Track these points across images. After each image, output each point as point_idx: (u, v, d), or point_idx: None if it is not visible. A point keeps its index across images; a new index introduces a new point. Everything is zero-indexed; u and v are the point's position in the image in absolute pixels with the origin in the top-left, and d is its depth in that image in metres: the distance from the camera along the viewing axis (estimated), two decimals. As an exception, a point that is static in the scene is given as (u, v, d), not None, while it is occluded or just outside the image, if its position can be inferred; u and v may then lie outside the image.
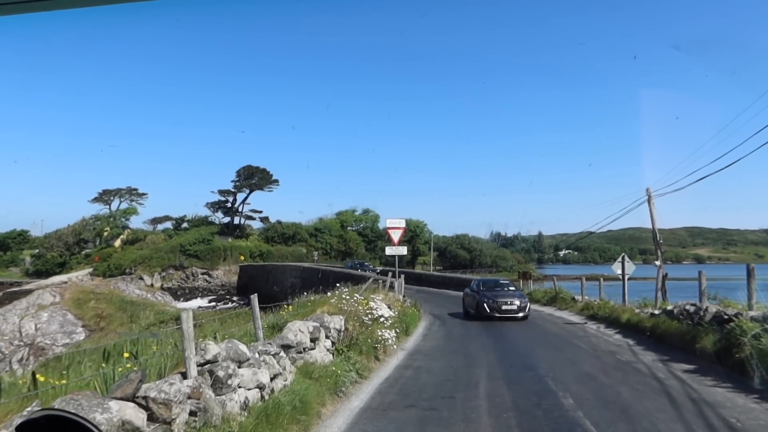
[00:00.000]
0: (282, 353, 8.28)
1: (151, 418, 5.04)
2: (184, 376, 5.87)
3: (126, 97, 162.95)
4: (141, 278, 65.76)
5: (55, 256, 77.10)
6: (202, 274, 70.51)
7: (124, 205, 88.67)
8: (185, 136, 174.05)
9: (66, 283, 44.37)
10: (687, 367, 10.58)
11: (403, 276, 29.01)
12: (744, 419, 7.13)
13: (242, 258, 72.43)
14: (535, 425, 7.14)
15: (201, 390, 5.75)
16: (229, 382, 6.26)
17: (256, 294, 9.34)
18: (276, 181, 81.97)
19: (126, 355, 6.89)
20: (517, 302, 19.98)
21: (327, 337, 10.67)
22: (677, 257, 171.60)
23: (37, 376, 5.48)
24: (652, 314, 15.47)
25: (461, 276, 48.20)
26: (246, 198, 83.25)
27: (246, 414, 6.39)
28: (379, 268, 46.98)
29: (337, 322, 11.40)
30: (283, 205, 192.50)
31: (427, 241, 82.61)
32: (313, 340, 9.82)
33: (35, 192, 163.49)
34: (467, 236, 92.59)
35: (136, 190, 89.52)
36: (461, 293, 36.33)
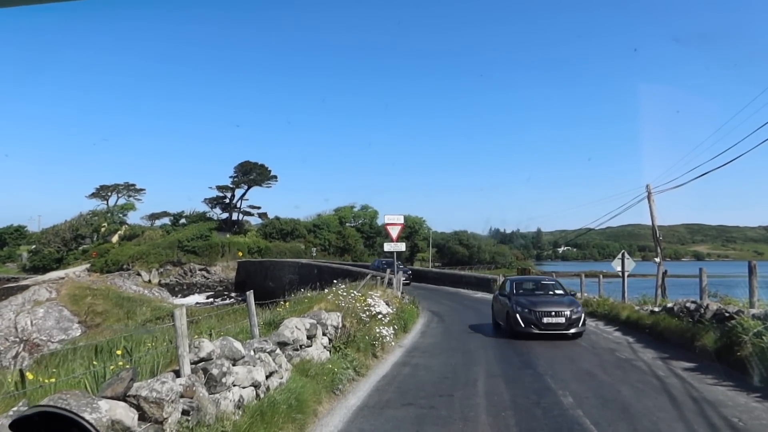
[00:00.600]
0: (278, 351, 8.17)
1: (143, 417, 4.92)
2: (178, 374, 5.76)
3: (123, 93, 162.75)
4: (138, 274, 65.61)
5: (52, 251, 76.82)
6: (200, 270, 70.35)
7: (121, 201, 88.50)
8: (183, 132, 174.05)
9: (63, 278, 44.23)
10: (687, 365, 10.48)
11: (401, 272, 28.95)
12: (746, 418, 7.03)
13: (240, 254, 72.28)
14: (534, 424, 7.04)
15: (194, 388, 5.63)
16: (224, 380, 6.15)
17: (252, 291, 9.22)
18: (274, 176, 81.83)
19: (119, 352, 6.76)
20: (566, 312, 14.22)
21: (324, 334, 10.56)
22: (676, 254, 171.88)
23: (26, 374, 5.35)
24: (652, 311, 15.39)
25: (460, 272, 48.13)
26: (244, 194, 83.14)
27: (240, 413, 6.27)
28: (410, 271, 41.67)
29: (334, 319, 11.29)
30: (280, 200, 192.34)
31: (425, 237, 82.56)
32: (310, 337, 9.71)
33: (32, 188, 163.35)
34: (466, 232, 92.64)
35: (133, 185, 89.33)
36: (459, 290, 36.48)
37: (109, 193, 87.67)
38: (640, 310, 16.54)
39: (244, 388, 6.64)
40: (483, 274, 47.24)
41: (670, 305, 14.49)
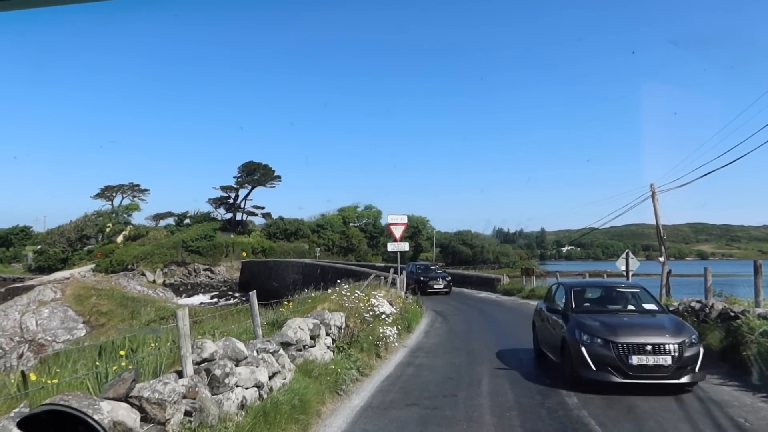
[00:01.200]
0: (281, 351, 8.16)
1: (145, 418, 4.91)
2: (180, 374, 5.74)
3: (128, 93, 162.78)
4: (143, 274, 65.80)
5: (58, 252, 77.13)
6: (204, 270, 70.49)
7: (126, 202, 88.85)
8: (187, 133, 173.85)
9: (68, 279, 44.34)
10: (693, 365, 10.42)
11: (405, 272, 28.92)
12: (752, 419, 6.98)
13: (244, 254, 72.38)
14: (539, 424, 7.01)
15: (197, 389, 5.62)
16: (226, 381, 6.13)
17: (254, 291, 9.21)
18: (278, 177, 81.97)
19: (122, 352, 6.75)
20: (672, 344, 8.48)
21: (327, 334, 10.54)
22: (680, 253, 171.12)
23: (29, 374, 5.34)
24: (657, 311, 15.29)
25: (463, 272, 48.04)
26: (248, 194, 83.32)
27: (243, 414, 6.26)
28: (449, 276, 33.86)
29: (337, 319, 11.27)
30: (283, 201, 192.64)
31: (429, 237, 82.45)
32: (313, 337, 9.69)
33: (38, 188, 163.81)
34: (469, 232, 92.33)
35: (138, 186, 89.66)
36: (463, 290, 36.27)
37: (114, 194, 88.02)
38: (644, 310, 16.43)
39: (247, 388, 6.62)
40: (487, 274, 47.15)
41: (674, 305, 14.39)
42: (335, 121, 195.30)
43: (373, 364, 11.11)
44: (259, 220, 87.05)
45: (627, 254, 21.27)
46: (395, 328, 14.00)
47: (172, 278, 68.39)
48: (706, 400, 7.92)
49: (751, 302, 11.61)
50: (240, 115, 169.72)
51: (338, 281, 18.35)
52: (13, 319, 26.56)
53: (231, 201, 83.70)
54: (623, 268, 20.98)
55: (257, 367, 7.00)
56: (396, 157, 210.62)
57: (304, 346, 9.21)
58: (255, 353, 7.30)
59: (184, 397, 5.41)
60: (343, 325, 11.50)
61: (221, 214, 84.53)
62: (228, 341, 6.76)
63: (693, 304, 13.04)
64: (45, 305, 29.07)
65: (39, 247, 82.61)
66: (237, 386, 6.39)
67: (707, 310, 12.03)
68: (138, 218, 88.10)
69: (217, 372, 6.05)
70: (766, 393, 8.21)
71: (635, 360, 8.31)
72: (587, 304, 10.45)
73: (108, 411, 4.44)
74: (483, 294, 32.84)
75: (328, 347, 10.35)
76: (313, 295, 15.63)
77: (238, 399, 6.31)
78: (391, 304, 16.29)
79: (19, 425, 1.33)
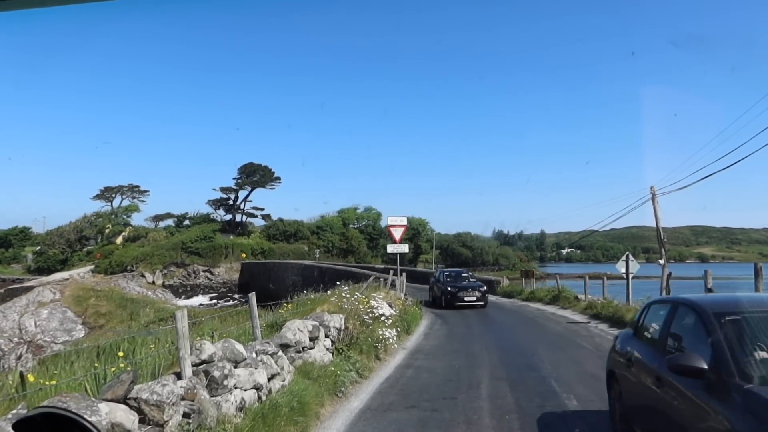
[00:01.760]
0: (280, 353, 8.13)
1: (143, 420, 4.89)
2: (179, 376, 5.72)
3: (127, 95, 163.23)
4: (142, 275, 65.69)
5: (57, 253, 77.03)
6: (204, 271, 70.41)
7: (125, 203, 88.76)
8: (186, 134, 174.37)
9: (67, 280, 44.29)
10: (693, 368, 10.37)
11: (404, 274, 28.89)
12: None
13: (244, 255, 72.31)
14: (538, 428, 6.98)
15: (195, 391, 5.60)
16: (225, 382, 6.11)
17: (254, 292, 9.19)
18: (278, 178, 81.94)
19: (120, 354, 6.73)
20: None
21: (327, 336, 10.51)
22: (681, 256, 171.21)
23: (27, 376, 5.32)
24: (657, 314, 15.25)
25: (433, 271, 48.11)
26: (248, 195, 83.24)
27: (242, 415, 6.23)
28: (484, 285, 26.42)
29: (337, 320, 11.24)
30: (281, 202, 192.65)
31: (429, 239, 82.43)
32: (313, 339, 9.66)
33: (37, 189, 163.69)
34: (469, 234, 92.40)
35: (137, 187, 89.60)
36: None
37: (114, 195, 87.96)
38: (644, 313, 16.41)
39: (245, 390, 6.60)
40: (486, 276, 47.14)
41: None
42: (333, 123, 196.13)
43: (372, 366, 11.08)
44: (258, 222, 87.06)
45: (627, 257, 21.24)
46: (394, 330, 13.98)
47: (172, 279, 68.31)
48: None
49: (751, 305, 11.57)
50: (239, 117, 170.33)
51: (338, 283, 18.36)
52: (12, 320, 26.51)
53: (230, 202, 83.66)
54: (623, 270, 20.96)
55: (256, 368, 6.98)
56: (395, 159, 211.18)
57: (303, 348, 9.19)
58: (254, 355, 7.28)
59: (183, 398, 5.39)
60: (343, 327, 11.47)
61: (221, 215, 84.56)
62: (227, 343, 6.74)
63: (693, 306, 12.98)
64: (44, 306, 29.02)
65: (38, 248, 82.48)
66: (236, 388, 6.37)
67: (707, 313, 11.96)
68: (137, 219, 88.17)
69: (216, 374, 6.03)
70: None
71: None
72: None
73: (106, 413, 4.42)
74: (483, 296, 32.77)
75: (328, 349, 10.32)
76: (312, 296, 15.61)
77: (236, 401, 6.29)
78: (390, 306, 16.27)
79: (15, 427, 1.33)
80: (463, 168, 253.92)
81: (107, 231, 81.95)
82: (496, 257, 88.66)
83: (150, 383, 5.19)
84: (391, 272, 25.23)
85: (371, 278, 21.30)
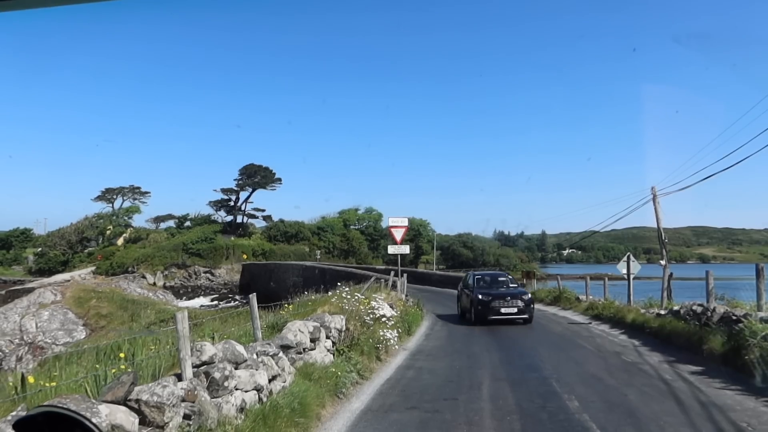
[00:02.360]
0: (281, 354, 8.12)
1: (143, 422, 4.88)
2: (179, 377, 5.71)
3: (129, 96, 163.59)
4: (143, 277, 65.69)
5: (58, 254, 77.04)
6: (205, 272, 70.37)
7: (126, 204, 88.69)
8: (187, 135, 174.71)
9: (68, 281, 44.33)
10: (694, 369, 10.37)
11: (405, 275, 28.87)
12: (755, 423, 6.93)
13: (245, 256, 72.27)
14: (539, 428, 6.97)
15: (196, 392, 5.59)
16: (226, 384, 6.10)
17: (254, 293, 9.18)
18: (279, 179, 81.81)
19: (121, 355, 6.72)
20: None
21: (327, 337, 10.50)
22: (682, 257, 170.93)
23: (28, 377, 5.31)
24: (658, 314, 15.26)
25: (463, 275, 48.07)
26: (249, 196, 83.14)
27: (243, 417, 6.22)
28: (528, 293, 20.60)
29: (338, 321, 11.23)
30: (282, 201, 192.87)
31: (430, 240, 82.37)
32: (313, 340, 9.65)
33: (38, 191, 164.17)
34: (470, 235, 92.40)
35: (138, 188, 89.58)
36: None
37: (115, 196, 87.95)
38: (645, 313, 16.41)
39: (246, 391, 6.58)
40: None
41: (676, 308, 14.37)
42: (333, 122, 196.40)
43: (373, 367, 11.07)
44: (259, 223, 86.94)
45: (628, 257, 21.18)
46: (396, 331, 13.96)
47: (173, 281, 68.28)
48: (708, 405, 7.87)
49: (753, 306, 11.57)
50: (239, 117, 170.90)
51: (339, 284, 18.33)
52: (13, 322, 26.53)
53: (231, 203, 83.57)
54: (624, 271, 20.90)
55: (257, 370, 6.97)
56: (396, 159, 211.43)
57: (304, 349, 9.18)
58: (255, 356, 7.26)
59: (183, 400, 5.38)
60: (344, 328, 11.46)
61: (222, 216, 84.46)
62: (227, 344, 6.73)
63: (695, 307, 13.01)
64: (45, 308, 29.03)
65: (39, 249, 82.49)
66: (236, 389, 6.36)
67: (709, 314, 11.99)
68: (138, 221, 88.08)
69: (217, 375, 6.02)
70: (768, 397, 8.12)
71: None
72: None
73: (106, 414, 4.41)
74: (484, 297, 32.70)
75: (328, 350, 10.31)
76: (313, 297, 15.60)
77: (237, 402, 6.28)
78: (391, 306, 16.24)
79: (15, 427, 1.32)
80: (464, 168, 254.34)
81: (108, 232, 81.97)
82: (497, 258, 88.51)
83: (150, 384, 5.18)
84: (392, 273, 25.20)
85: (372, 279, 21.28)
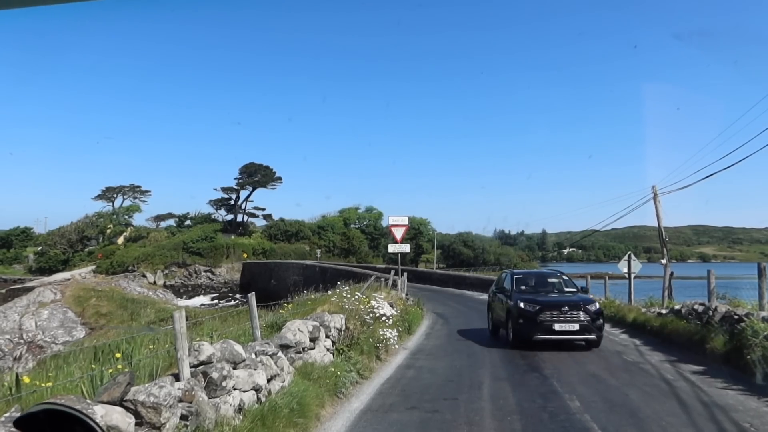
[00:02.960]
0: (280, 353, 8.06)
1: (140, 422, 4.82)
2: (177, 377, 5.66)
3: (129, 95, 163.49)
4: (144, 276, 65.67)
5: (59, 253, 77.02)
6: (205, 271, 70.34)
7: (127, 203, 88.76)
8: (188, 134, 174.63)
9: (68, 280, 44.29)
10: (696, 369, 10.31)
11: (406, 274, 28.82)
12: (757, 423, 6.88)
13: (245, 255, 72.23)
14: (540, 429, 6.92)
15: (193, 393, 5.53)
16: (224, 384, 6.04)
17: (253, 293, 9.13)
18: (279, 178, 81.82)
19: (118, 355, 6.66)
20: None
21: (327, 336, 10.44)
22: (682, 255, 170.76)
23: (23, 377, 5.26)
24: (659, 314, 15.20)
25: (464, 274, 48.01)
26: (249, 195, 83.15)
27: (241, 417, 6.16)
28: (595, 301, 14.67)
29: (337, 321, 11.18)
30: (282, 199, 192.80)
31: (430, 239, 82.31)
32: (313, 339, 9.59)
33: (39, 189, 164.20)
34: (470, 234, 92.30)
35: (139, 187, 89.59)
36: (464, 291, 36.20)
37: (115, 195, 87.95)
38: (647, 313, 16.35)
39: (244, 391, 6.53)
40: (488, 276, 47.01)
41: (677, 307, 14.30)
42: (334, 121, 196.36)
43: (373, 367, 11.01)
44: (259, 222, 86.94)
45: (629, 256, 21.13)
46: (396, 330, 13.90)
47: (173, 280, 68.24)
48: (710, 405, 7.82)
49: (754, 305, 11.51)
50: (240, 116, 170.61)
51: (339, 283, 18.28)
52: (12, 321, 26.51)
53: (232, 202, 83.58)
54: (625, 270, 20.86)
55: (255, 369, 6.91)
56: (397, 158, 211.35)
57: (303, 349, 9.12)
58: (253, 356, 7.21)
59: (180, 400, 5.32)
60: (343, 328, 11.40)
61: (222, 215, 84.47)
62: (226, 344, 6.67)
63: (696, 306, 12.95)
64: (45, 307, 29.00)
65: (40, 248, 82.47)
66: (234, 389, 6.30)
67: (711, 313, 11.93)
68: (139, 219, 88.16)
69: (215, 375, 5.97)
70: (770, 397, 8.06)
71: None
72: None
73: (102, 415, 4.34)
74: (484, 296, 32.59)
75: (328, 349, 10.25)
76: (313, 296, 15.55)
77: (235, 402, 6.22)
78: (391, 306, 16.19)
79: (16, 424, 1.29)
80: (465, 167, 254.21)
81: (109, 231, 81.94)
82: (497, 257, 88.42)
83: (147, 385, 5.12)
84: (392, 272, 25.15)
85: (372, 278, 21.22)
